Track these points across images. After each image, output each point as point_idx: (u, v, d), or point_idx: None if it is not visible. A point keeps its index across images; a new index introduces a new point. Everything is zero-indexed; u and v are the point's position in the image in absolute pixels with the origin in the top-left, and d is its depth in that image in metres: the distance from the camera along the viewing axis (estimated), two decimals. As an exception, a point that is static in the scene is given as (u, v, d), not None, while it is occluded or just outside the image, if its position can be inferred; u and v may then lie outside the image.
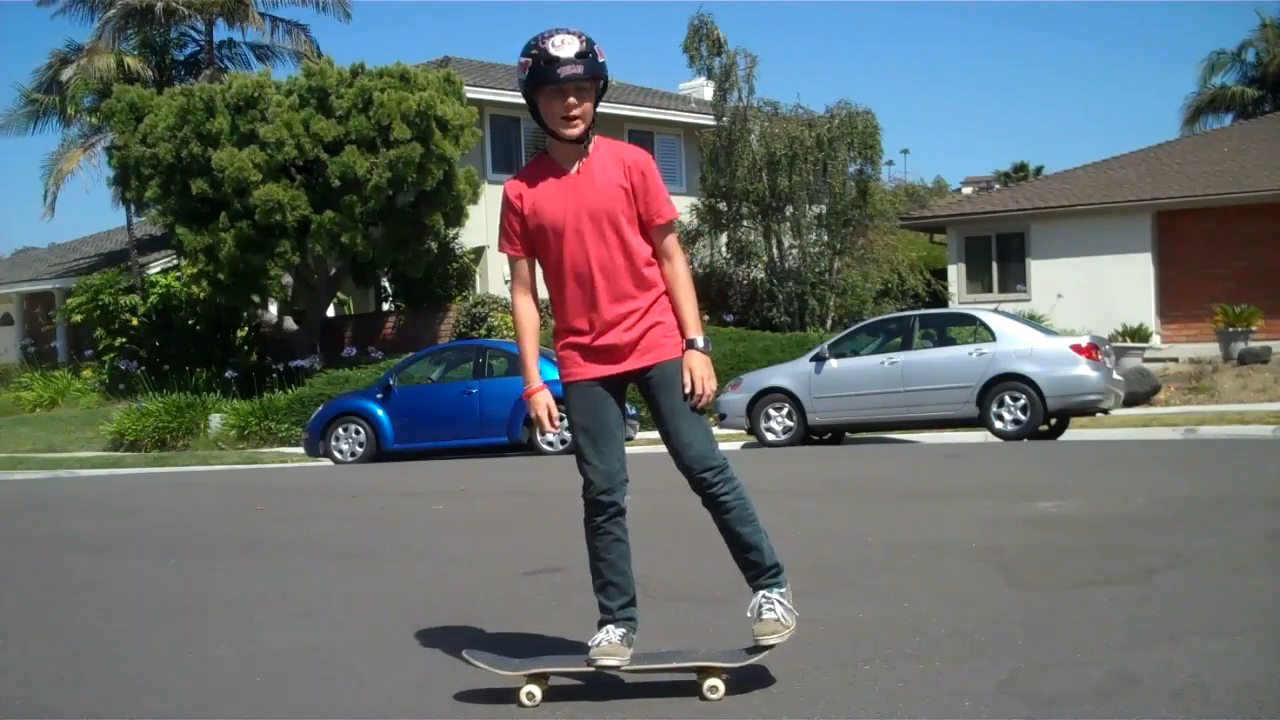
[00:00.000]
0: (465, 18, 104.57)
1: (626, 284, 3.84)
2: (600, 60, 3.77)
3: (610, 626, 3.84)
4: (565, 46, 3.70)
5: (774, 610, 3.82)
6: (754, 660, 3.83)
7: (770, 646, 3.80)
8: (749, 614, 3.86)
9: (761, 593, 3.86)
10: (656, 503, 8.16)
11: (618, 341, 3.85)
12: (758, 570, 3.88)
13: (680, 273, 3.90)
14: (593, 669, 3.82)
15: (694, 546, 6.61)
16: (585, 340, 3.90)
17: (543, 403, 3.97)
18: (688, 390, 3.82)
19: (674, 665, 3.88)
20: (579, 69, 3.71)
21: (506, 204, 3.94)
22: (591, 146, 3.87)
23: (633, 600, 3.89)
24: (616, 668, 3.81)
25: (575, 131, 3.79)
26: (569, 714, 3.76)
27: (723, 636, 4.34)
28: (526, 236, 3.92)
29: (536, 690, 3.84)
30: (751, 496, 3.93)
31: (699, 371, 3.83)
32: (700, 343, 3.86)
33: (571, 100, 3.75)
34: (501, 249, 4.01)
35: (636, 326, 3.85)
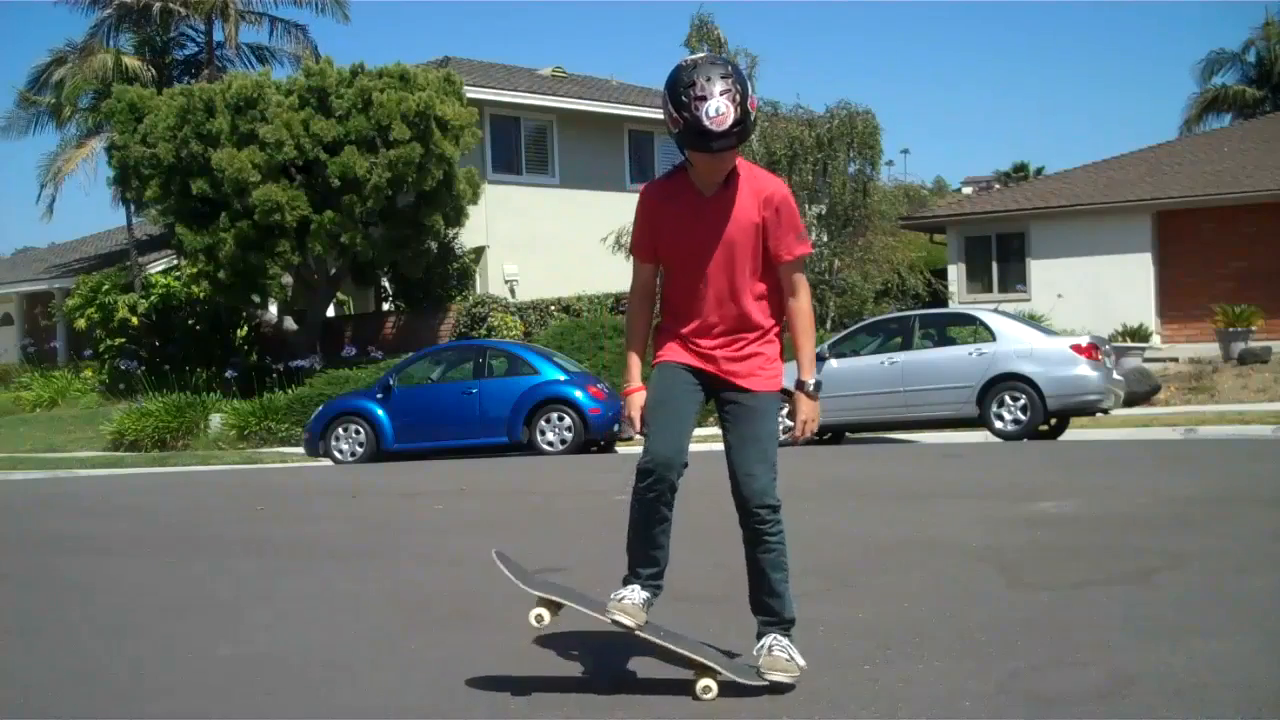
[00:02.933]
0: (465, 18, 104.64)
1: (740, 314, 3.84)
2: (751, 119, 3.63)
3: (636, 586, 3.85)
4: (721, 120, 3.55)
5: (784, 651, 3.83)
6: (758, 684, 3.80)
7: (776, 684, 3.78)
8: (756, 652, 3.86)
9: (773, 634, 3.86)
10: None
11: (717, 355, 3.87)
12: (775, 618, 3.88)
13: (803, 310, 3.87)
14: (606, 619, 3.82)
15: (694, 547, 6.61)
16: (686, 338, 3.90)
17: (636, 404, 3.95)
18: (794, 433, 3.88)
19: (685, 653, 3.84)
20: (733, 141, 3.60)
21: (641, 210, 3.93)
22: (730, 171, 3.80)
23: (662, 572, 3.90)
24: (628, 629, 3.80)
25: (720, 179, 3.77)
26: (569, 714, 3.77)
27: (722, 636, 4.34)
28: (654, 246, 3.91)
29: (545, 614, 3.85)
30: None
31: (804, 415, 3.88)
32: (810, 385, 3.88)
33: (723, 162, 3.71)
34: (631, 251, 4.02)
35: (740, 354, 3.86)
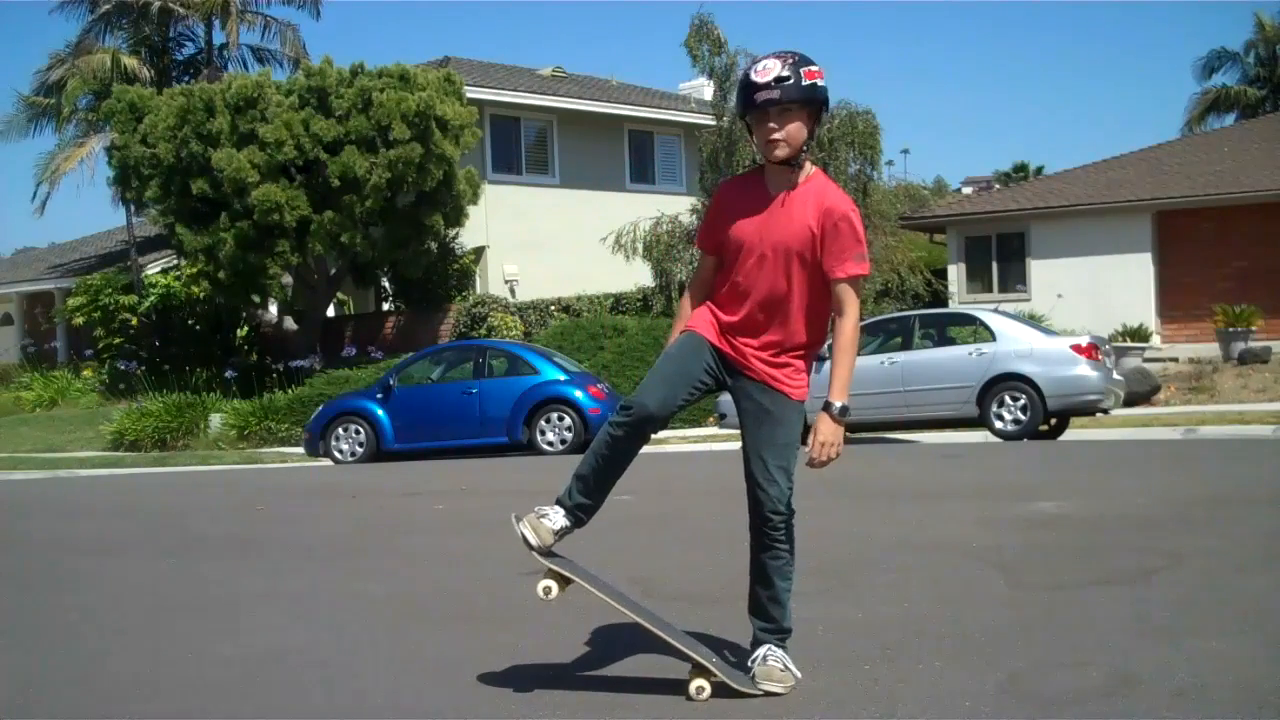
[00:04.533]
0: (465, 18, 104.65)
1: (788, 322, 3.82)
2: (806, 83, 3.69)
3: (561, 511, 3.86)
4: (765, 72, 3.69)
5: (779, 661, 3.83)
6: (752, 692, 3.79)
7: (769, 694, 3.78)
8: (750, 662, 3.86)
9: (768, 645, 3.86)
10: (658, 505, 8.15)
11: (748, 352, 3.86)
12: (772, 625, 3.88)
13: (845, 332, 3.78)
14: (599, 594, 3.84)
15: (694, 547, 6.62)
16: (725, 326, 3.90)
17: None
18: (810, 455, 3.80)
19: (680, 646, 3.83)
20: (775, 94, 3.66)
21: (713, 201, 4.01)
22: (804, 178, 3.82)
23: (590, 509, 3.88)
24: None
25: (780, 154, 3.75)
26: (569, 714, 3.77)
27: (721, 637, 4.34)
28: (717, 239, 3.93)
29: (554, 586, 3.83)
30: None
31: (822, 437, 3.78)
32: (836, 408, 3.76)
33: (772, 125, 3.72)
34: (696, 241, 4.08)
35: (773, 359, 3.84)
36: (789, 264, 3.78)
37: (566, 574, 3.85)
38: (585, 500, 3.86)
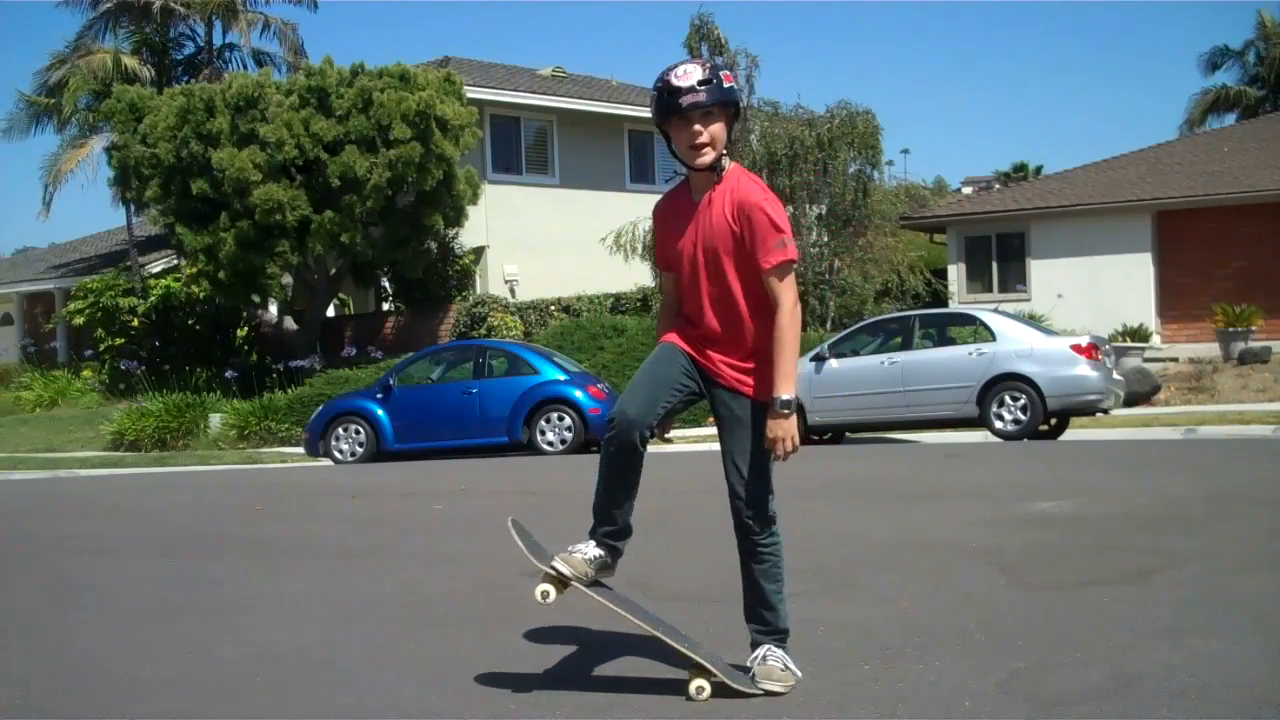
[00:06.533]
0: (465, 18, 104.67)
1: (741, 325, 3.82)
2: (726, 86, 3.73)
3: (591, 543, 3.86)
4: (686, 77, 3.71)
5: (779, 661, 3.84)
6: (752, 692, 3.79)
7: (770, 693, 3.78)
8: (750, 661, 3.87)
9: (766, 646, 3.86)
10: (657, 505, 8.15)
11: (716, 359, 3.87)
12: (767, 629, 3.88)
13: (782, 323, 3.73)
14: (609, 605, 3.84)
15: (693, 548, 6.62)
16: (693, 340, 3.91)
17: None
18: (770, 452, 3.78)
19: (680, 648, 3.83)
20: (701, 96, 3.70)
21: (653, 221, 4.07)
22: (724, 174, 3.83)
23: (619, 533, 3.87)
24: (564, 577, 3.79)
25: (705, 160, 3.77)
26: (568, 714, 3.77)
27: (721, 637, 4.34)
28: (666, 256, 3.98)
29: (552, 591, 3.83)
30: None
31: (771, 434, 3.72)
32: (780, 402, 3.70)
33: (697, 128, 3.74)
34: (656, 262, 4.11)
35: (741, 363, 3.85)
36: (723, 265, 3.79)
37: (565, 576, 3.85)
38: (605, 526, 3.87)
